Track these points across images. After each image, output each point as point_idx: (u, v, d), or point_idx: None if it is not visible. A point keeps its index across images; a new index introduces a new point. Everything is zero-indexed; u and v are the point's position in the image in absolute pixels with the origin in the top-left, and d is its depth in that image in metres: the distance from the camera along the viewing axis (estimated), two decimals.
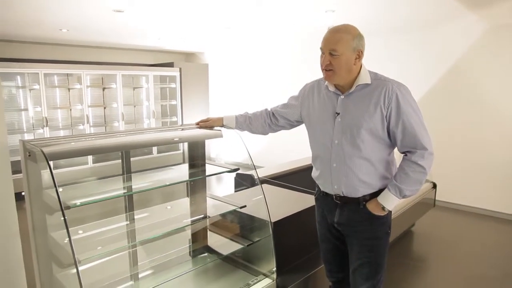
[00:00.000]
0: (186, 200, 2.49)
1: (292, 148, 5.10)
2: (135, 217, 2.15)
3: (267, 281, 2.16)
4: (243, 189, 3.01)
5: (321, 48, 1.71)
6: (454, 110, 4.86)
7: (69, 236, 1.43)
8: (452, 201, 4.98)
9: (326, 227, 1.96)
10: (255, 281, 2.15)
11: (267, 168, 3.66)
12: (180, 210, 2.45)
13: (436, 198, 4.22)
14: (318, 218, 2.02)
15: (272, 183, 3.09)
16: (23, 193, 1.66)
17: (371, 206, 1.77)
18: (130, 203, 2.11)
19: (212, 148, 7.91)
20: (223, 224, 2.51)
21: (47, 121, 5.75)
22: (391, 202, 1.73)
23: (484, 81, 4.59)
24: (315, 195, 2.03)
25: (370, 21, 4.58)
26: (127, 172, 2.09)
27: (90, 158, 6.13)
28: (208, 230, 2.54)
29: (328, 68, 1.69)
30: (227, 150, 7.50)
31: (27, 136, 5.71)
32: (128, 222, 2.11)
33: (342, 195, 1.81)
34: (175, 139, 2.32)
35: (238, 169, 2.25)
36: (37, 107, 5.68)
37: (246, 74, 7.34)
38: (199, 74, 7.57)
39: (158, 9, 3.98)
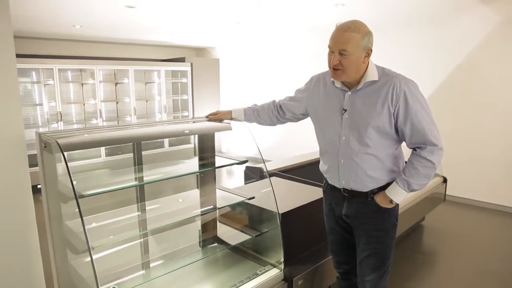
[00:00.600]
0: (196, 192, 2.53)
1: (300, 143, 5.10)
2: (147, 207, 2.20)
3: (275, 271, 2.19)
4: (253, 182, 3.04)
5: (329, 46, 1.68)
6: (466, 104, 4.80)
7: (83, 224, 1.47)
8: (462, 196, 4.94)
9: (333, 219, 1.98)
10: (263, 271, 2.18)
11: (276, 161, 3.69)
12: (190, 201, 2.50)
13: (447, 193, 4.20)
14: (326, 210, 2.04)
15: (280, 175, 3.12)
16: (39, 186, 1.71)
17: (379, 199, 1.78)
18: (141, 194, 2.16)
19: (223, 143, 7.97)
20: (232, 215, 2.55)
21: (61, 115, 5.88)
22: (399, 196, 1.74)
23: (496, 76, 4.51)
24: (322, 188, 2.05)
25: (379, 16, 4.54)
26: (138, 164, 2.15)
27: (103, 151, 6.24)
28: (217, 221, 2.59)
29: (337, 68, 1.67)
30: (237, 145, 7.55)
31: (42, 130, 5.82)
32: (140, 213, 2.16)
33: (350, 189, 1.83)
34: (185, 132, 2.36)
35: (246, 161, 2.27)
36: (51, 102, 5.81)
37: (256, 69, 7.35)
38: (210, 69, 7.60)
39: (169, 5, 4.03)
